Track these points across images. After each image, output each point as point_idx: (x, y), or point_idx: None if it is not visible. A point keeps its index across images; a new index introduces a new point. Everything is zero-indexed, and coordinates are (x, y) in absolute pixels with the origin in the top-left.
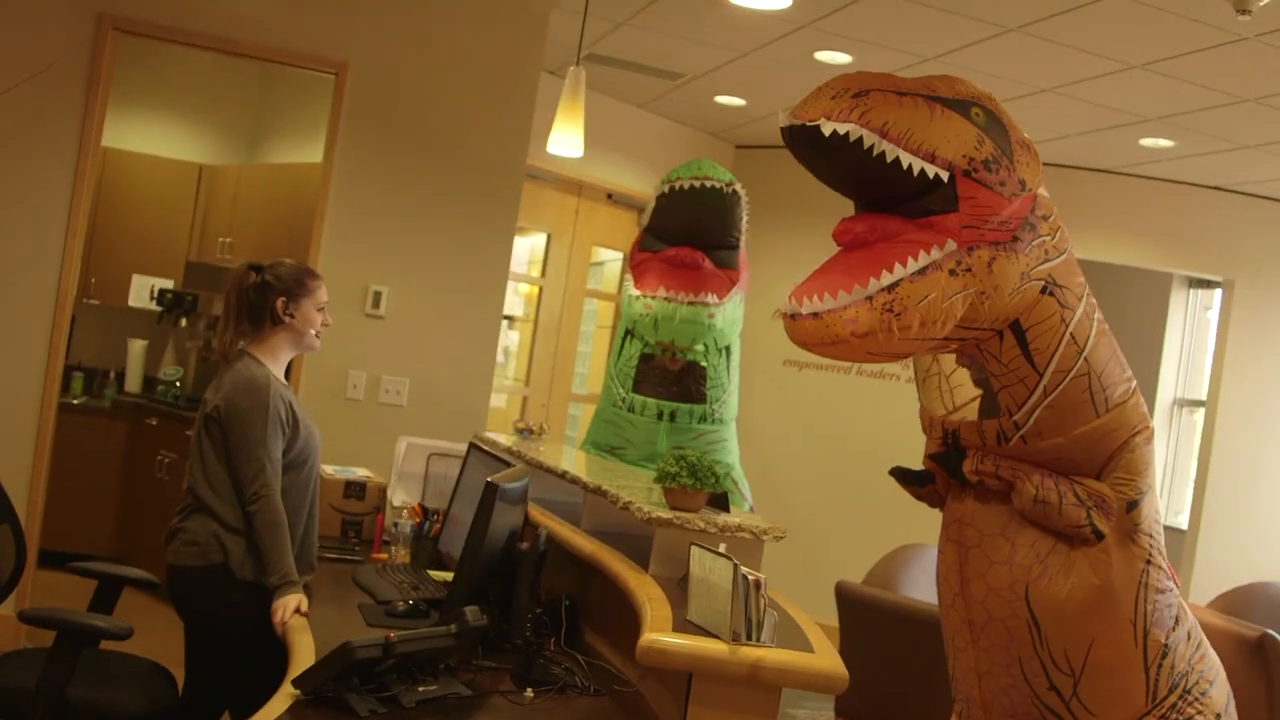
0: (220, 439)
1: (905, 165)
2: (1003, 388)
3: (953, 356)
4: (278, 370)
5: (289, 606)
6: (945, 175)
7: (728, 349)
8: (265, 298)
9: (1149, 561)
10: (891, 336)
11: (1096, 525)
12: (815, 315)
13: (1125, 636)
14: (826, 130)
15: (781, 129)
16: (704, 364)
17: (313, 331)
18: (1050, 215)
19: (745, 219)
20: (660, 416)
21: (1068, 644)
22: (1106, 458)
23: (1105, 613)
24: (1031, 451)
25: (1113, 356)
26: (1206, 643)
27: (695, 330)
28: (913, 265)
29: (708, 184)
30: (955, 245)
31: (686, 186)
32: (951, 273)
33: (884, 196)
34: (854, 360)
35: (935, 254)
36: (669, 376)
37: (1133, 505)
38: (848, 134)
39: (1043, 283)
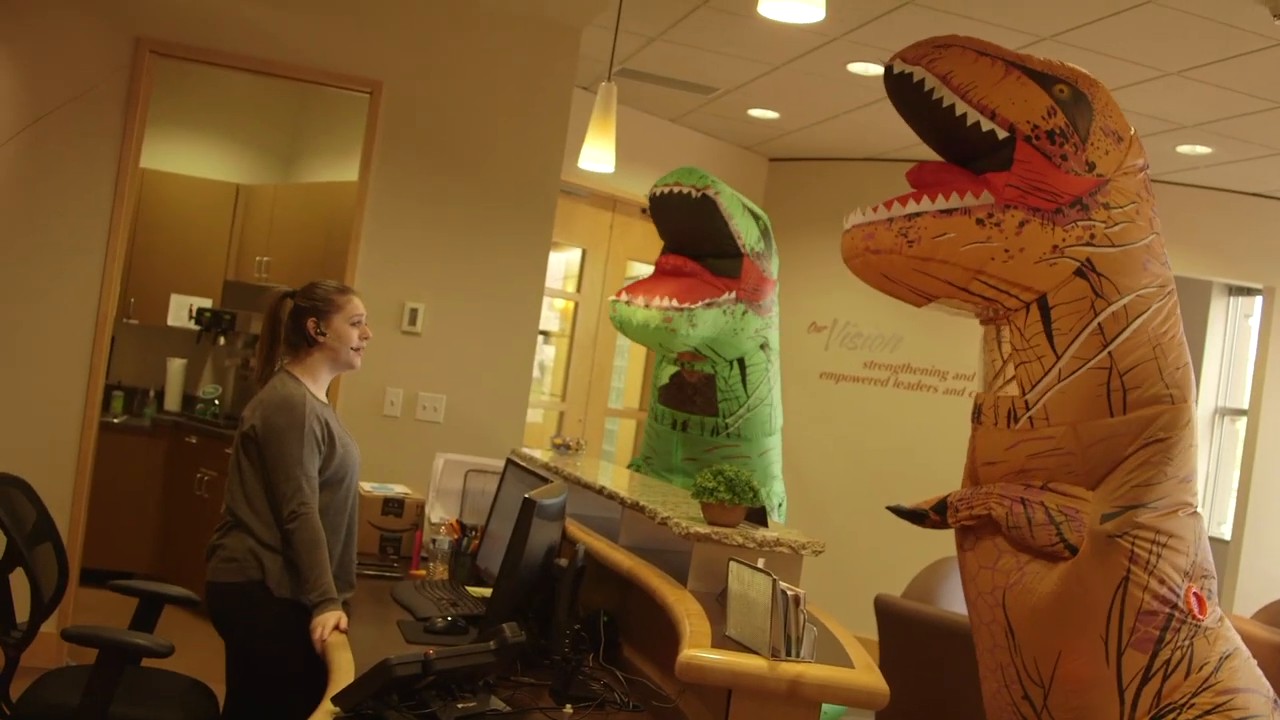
0: (257, 457)
1: (960, 113)
2: (1020, 364)
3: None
4: (318, 389)
5: (328, 624)
6: (1003, 133)
7: (740, 361)
8: (298, 321)
9: (1129, 578)
10: (904, 260)
11: (1068, 540)
12: (851, 228)
13: (1095, 653)
14: (895, 69)
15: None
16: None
17: (350, 347)
18: (1119, 206)
19: (745, 226)
20: (675, 426)
21: (1037, 654)
22: (1113, 463)
23: (1073, 626)
24: (1036, 438)
25: (1149, 362)
26: (1244, 694)
27: (659, 336)
28: (941, 203)
29: (677, 190)
30: (992, 199)
31: (659, 193)
32: (979, 222)
33: (963, 153)
34: (876, 284)
35: (969, 200)
36: (687, 388)
37: (1110, 516)
38: (911, 75)
39: (1078, 263)
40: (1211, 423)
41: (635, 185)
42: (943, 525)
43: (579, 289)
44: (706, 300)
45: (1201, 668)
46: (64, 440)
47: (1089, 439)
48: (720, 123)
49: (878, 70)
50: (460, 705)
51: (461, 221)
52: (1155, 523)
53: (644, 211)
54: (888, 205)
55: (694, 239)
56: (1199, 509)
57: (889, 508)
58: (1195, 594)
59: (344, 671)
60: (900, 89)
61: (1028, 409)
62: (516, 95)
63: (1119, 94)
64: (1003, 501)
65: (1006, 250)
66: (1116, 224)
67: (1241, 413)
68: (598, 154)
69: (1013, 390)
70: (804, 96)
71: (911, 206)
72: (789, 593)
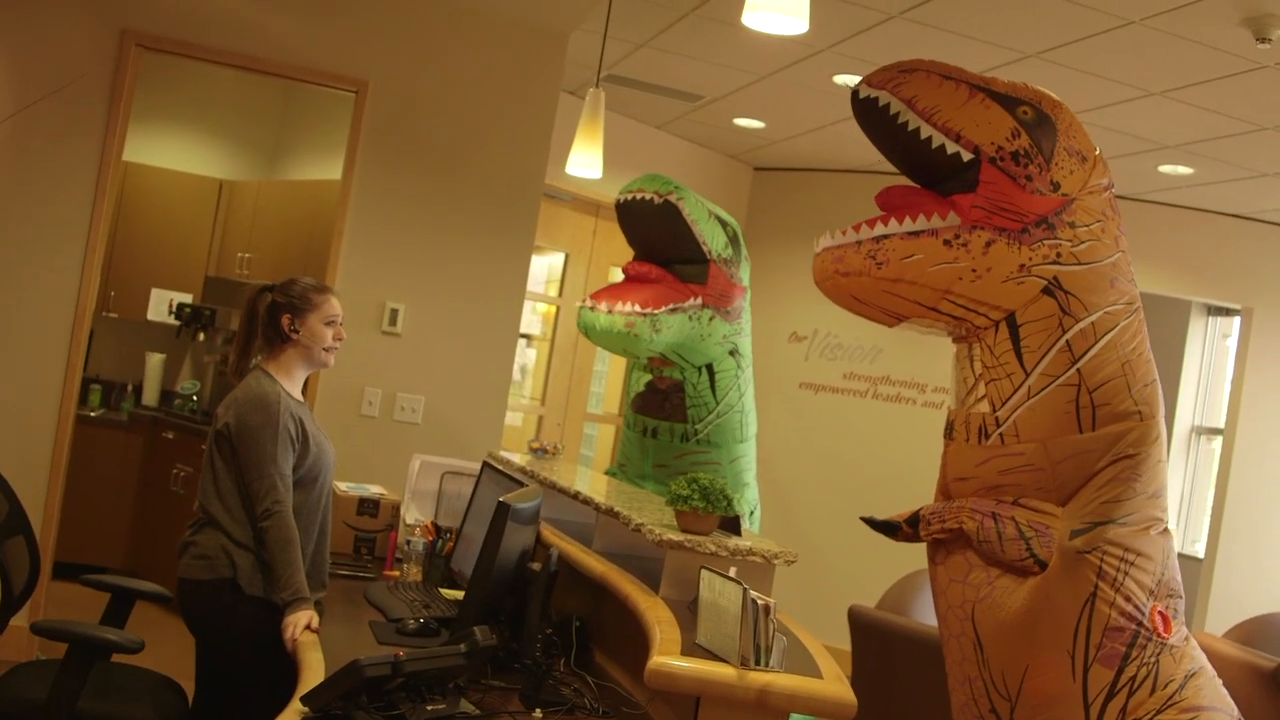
0: (231, 455)
1: (925, 136)
2: (991, 381)
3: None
4: (292, 387)
5: (299, 623)
6: (968, 155)
7: (709, 368)
8: (274, 316)
9: (1096, 594)
10: (872, 282)
11: (1037, 555)
12: (821, 251)
13: (1061, 667)
14: (861, 93)
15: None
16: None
17: (321, 347)
18: (1084, 225)
19: (711, 232)
20: (645, 433)
21: (1005, 668)
22: (1084, 478)
23: (1041, 640)
24: (1006, 454)
25: (1119, 379)
26: (1208, 713)
27: (623, 341)
28: (908, 225)
29: (640, 197)
30: (959, 220)
31: (623, 200)
32: (946, 243)
33: (930, 176)
34: (846, 306)
35: (936, 222)
36: (658, 395)
37: (1079, 532)
38: (877, 99)
39: (1045, 282)
40: (1188, 441)
41: (620, 190)
42: (915, 538)
43: (561, 293)
44: (671, 305)
45: (1167, 685)
46: (40, 433)
47: (1059, 455)
48: (706, 131)
49: None
50: (430, 708)
51: (444, 223)
52: (1124, 540)
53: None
54: (856, 228)
55: (659, 245)
56: (1169, 526)
57: (863, 519)
58: (1160, 612)
59: (314, 671)
60: (867, 113)
61: (998, 425)
62: (502, 98)
63: (1102, 113)
64: (974, 516)
65: (974, 270)
66: (1082, 242)
67: (1217, 432)
68: (585, 159)
69: (984, 407)
70: (790, 107)
71: (879, 229)
72: (760, 602)
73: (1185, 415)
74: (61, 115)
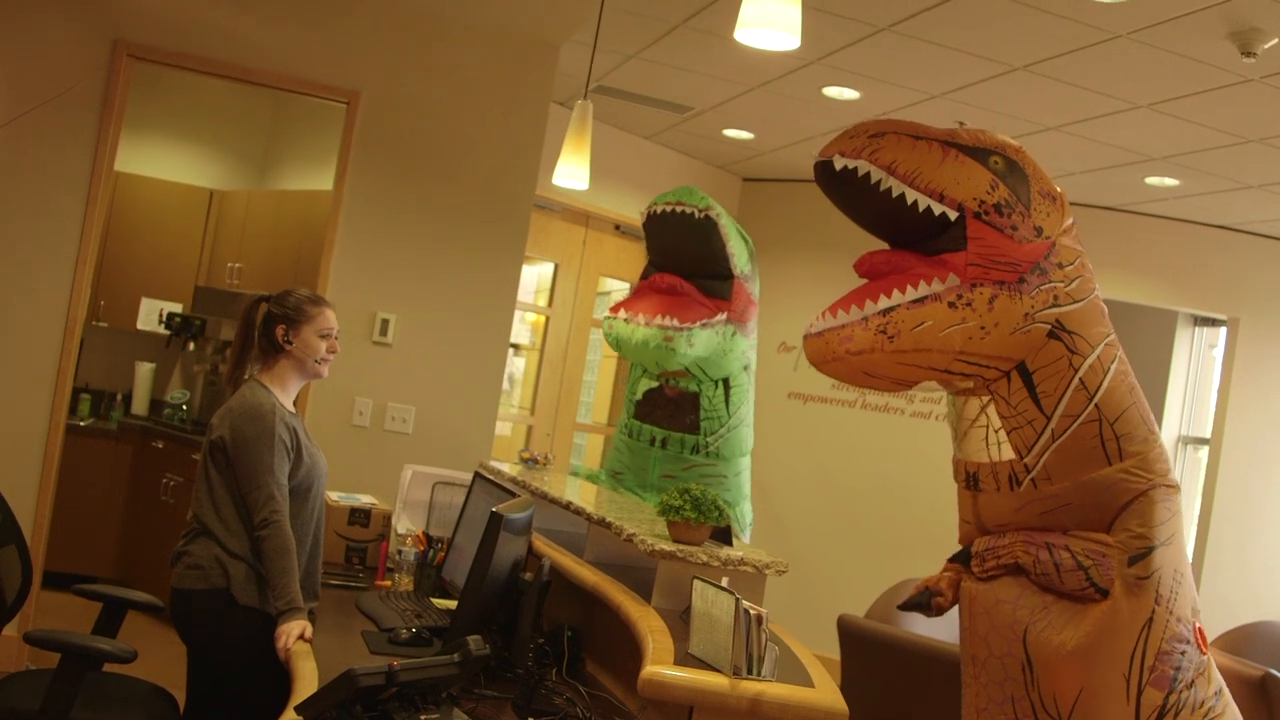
0: (226, 466)
1: (910, 201)
2: (1013, 429)
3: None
4: (286, 398)
5: (293, 633)
6: (953, 214)
7: (725, 381)
8: (269, 327)
9: (1153, 619)
10: (885, 357)
11: (1097, 584)
12: (819, 334)
13: (1116, 690)
14: (837, 165)
15: (814, 166)
16: (700, 394)
17: (315, 359)
18: (1070, 264)
19: (738, 249)
20: (653, 443)
21: (1057, 689)
22: (1120, 507)
23: (1098, 664)
24: (1042, 498)
25: (1132, 406)
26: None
27: (658, 354)
28: (911, 294)
29: (679, 209)
30: (958, 280)
31: (659, 211)
32: (951, 305)
33: (908, 237)
34: (855, 382)
35: (936, 286)
36: (667, 404)
37: (1135, 559)
38: (855, 169)
39: (1049, 326)
40: (1175, 451)
41: (609, 202)
42: (951, 605)
43: (550, 303)
44: (703, 320)
45: (1203, 704)
46: (30, 442)
47: (1094, 490)
48: (695, 142)
49: (852, 94)
50: (423, 717)
51: (435, 234)
52: (1172, 560)
53: (617, 228)
54: (858, 304)
55: (689, 259)
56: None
57: (900, 607)
58: (1199, 628)
59: (307, 681)
60: (841, 182)
61: (1028, 471)
62: (493, 109)
63: (1089, 125)
64: (1029, 550)
65: (982, 328)
66: (1073, 280)
67: (1204, 442)
68: (572, 171)
69: (1007, 454)
70: (779, 118)
71: (884, 302)
72: (752, 612)
73: (1172, 425)
74: (53, 125)
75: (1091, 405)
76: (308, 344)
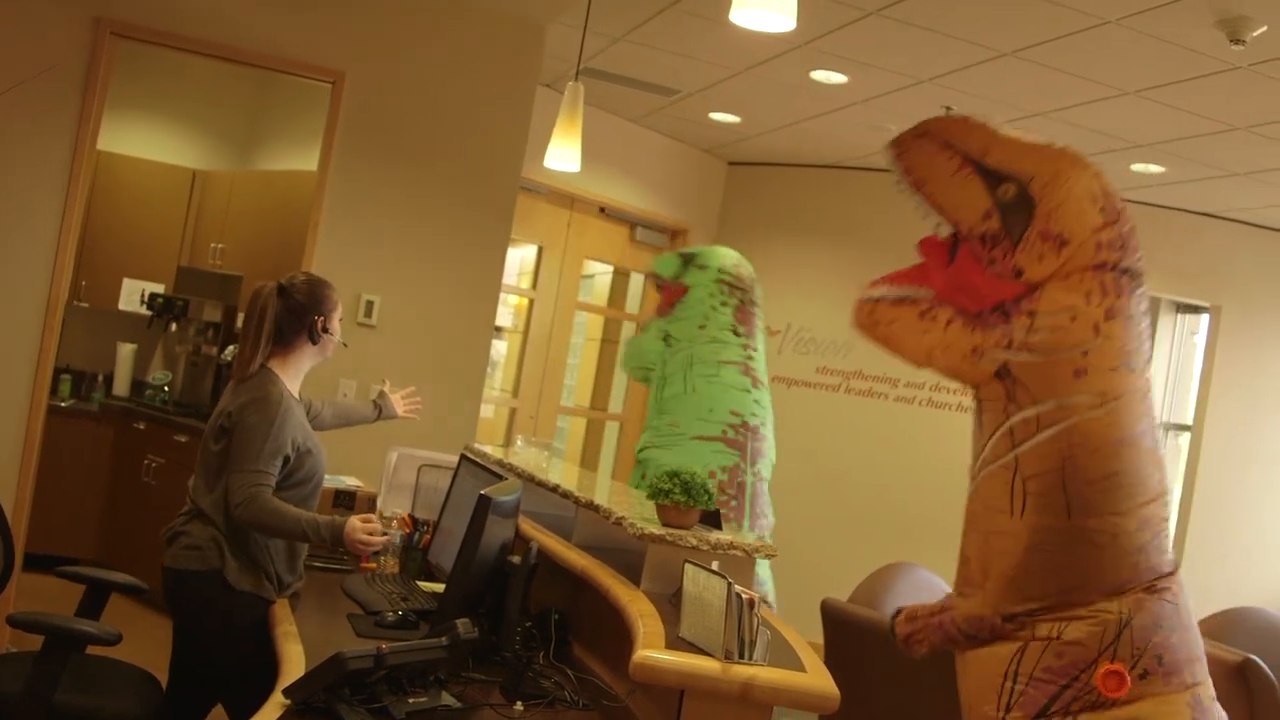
0: (228, 450)
1: (914, 206)
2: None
3: None
4: (296, 386)
5: (359, 528)
6: (948, 231)
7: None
8: (299, 316)
9: (1023, 654)
10: (874, 337)
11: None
12: (857, 299)
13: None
14: (886, 156)
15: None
16: None
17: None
18: (1048, 313)
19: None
20: None
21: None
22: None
23: (977, 683)
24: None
25: (1054, 474)
26: None
27: None
28: (895, 291)
29: None
30: (932, 293)
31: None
32: (921, 314)
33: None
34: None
35: (915, 291)
36: None
37: (1011, 617)
38: (891, 165)
39: (997, 365)
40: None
41: (595, 184)
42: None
43: (535, 285)
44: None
45: None
46: (10, 424)
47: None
48: (681, 125)
49: (840, 78)
50: (411, 700)
51: (420, 215)
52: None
53: (602, 211)
54: (876, 284)
55: None
56: None
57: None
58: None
59: (294, 664)
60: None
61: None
62: (479, 90)
63: (1076, 111)
64: (938, 634)
65: (943, 343)
66: (1038, 331)
67: (1186, 429)
68: (564, 153)
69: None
70: (766, 102)
71: (878, 291)
72: (744, 596)
73: (1154, 412)
74: (35, 104)
75: (1010, 455)
76: (336, 331)
